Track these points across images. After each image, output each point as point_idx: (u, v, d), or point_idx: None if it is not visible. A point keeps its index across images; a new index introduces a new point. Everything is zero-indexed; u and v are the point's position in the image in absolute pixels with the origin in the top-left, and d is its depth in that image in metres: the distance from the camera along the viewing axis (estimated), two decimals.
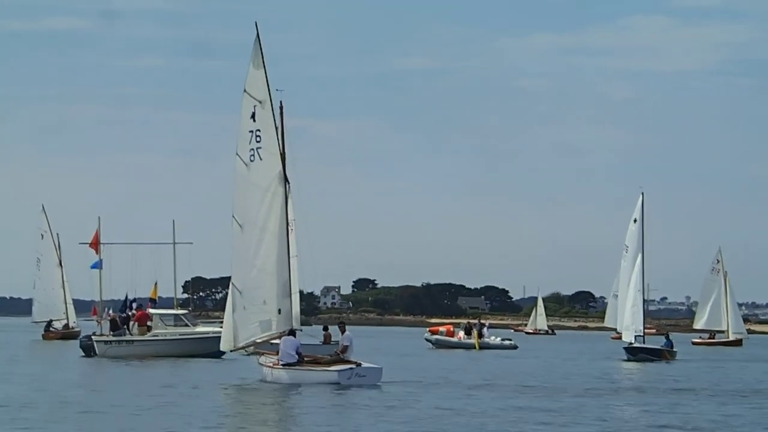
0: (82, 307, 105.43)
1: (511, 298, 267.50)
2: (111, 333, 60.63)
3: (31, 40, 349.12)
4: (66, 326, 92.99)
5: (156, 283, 73.46)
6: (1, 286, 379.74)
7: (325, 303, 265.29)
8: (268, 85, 37.94)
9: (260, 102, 37.81)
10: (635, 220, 69.71)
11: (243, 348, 38.98)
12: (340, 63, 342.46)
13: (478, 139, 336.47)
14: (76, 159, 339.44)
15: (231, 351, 39.39)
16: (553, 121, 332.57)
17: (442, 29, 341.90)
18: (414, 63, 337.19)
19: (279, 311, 38.14)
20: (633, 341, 67.60)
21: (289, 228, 64.94)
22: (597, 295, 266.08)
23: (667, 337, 71.16)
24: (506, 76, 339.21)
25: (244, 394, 34.61)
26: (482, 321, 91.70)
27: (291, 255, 64.63)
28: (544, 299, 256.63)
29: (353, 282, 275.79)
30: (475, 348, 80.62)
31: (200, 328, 62.45)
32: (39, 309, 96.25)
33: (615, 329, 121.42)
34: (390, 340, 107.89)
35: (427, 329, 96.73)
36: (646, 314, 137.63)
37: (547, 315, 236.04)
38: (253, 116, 37.85)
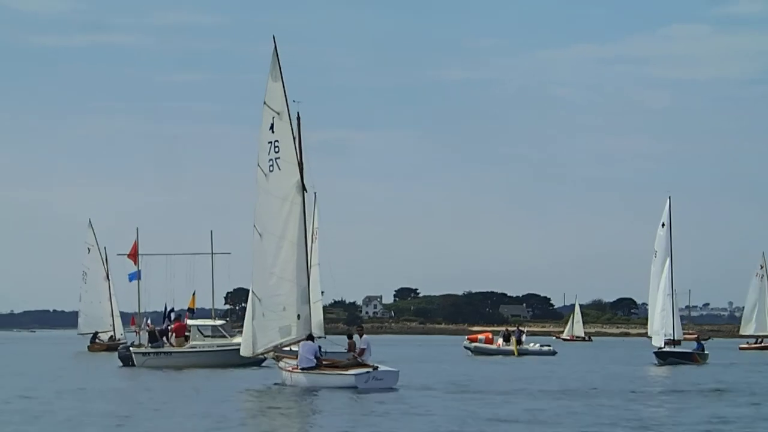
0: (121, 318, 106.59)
1: (553, 305, 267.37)
2: (149, 344, 61.49)
3: (72, 54, 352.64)
4: (112, 338, 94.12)
5: (194, 294, 74.45)
6: (45, 300, 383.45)
7: (367, 312, 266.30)
8: (285, 97, 38.90)
9: (278, 113, 38.78)
10: (663, 225, 70.07)
11: (262, 354, 39.89)
12: (381, 75, 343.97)
13: (518, 148, 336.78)
14: (117, 171, 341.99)
15: (250, 356, 40.27)
16: (592, 130, 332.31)
17: (481, 40, 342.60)
18: (452, 75, 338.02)
19: (298, 317, 39.06)
20: (663, 346, 68.00)
21: (314, 237, 66.08)
22: (639, 301, 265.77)
23: (698, 341, 71.39)
24: (545, 86, 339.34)
25: (262, 398, 35.50)
26: (521, 328, 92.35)
27: (313, 263, 65.90)
28: (585, 306, 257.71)
29: (395, 291, 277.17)
30: (513, 354, 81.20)
31: (238, 339, 63.05)
32: (85, 321, 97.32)
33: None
34: (428, 348, 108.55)
35: (466, 337, 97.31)
36: (689, 320, 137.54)
37: (588, 322, 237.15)
38: (271, 127, 38.83)
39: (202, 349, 59.33)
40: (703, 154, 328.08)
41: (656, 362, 66.58)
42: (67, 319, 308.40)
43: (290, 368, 38.61)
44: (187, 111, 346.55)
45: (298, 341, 38.90)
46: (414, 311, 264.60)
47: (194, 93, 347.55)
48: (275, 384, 39.24)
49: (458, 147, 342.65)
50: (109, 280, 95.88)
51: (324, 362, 38.67)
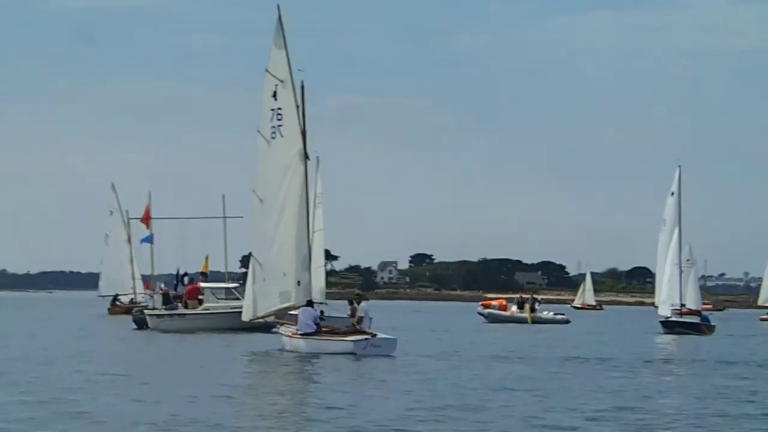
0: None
1: (568, 273, 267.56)
2: (163, 307, 61.99)
3: (90, 19, 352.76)
4: (132, 301, 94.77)
5: (207, 258, 74.92)
6: (62, 261, 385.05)
7: (382, 278, 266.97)
8: (289, 65, 39.19)
9: (281, 81, 39.07)
10: (672, 194, 69.82)
11: (262, 318, 40.34)
12: (397, 43, 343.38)
13: (534, 117, 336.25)
14: (136, 134, 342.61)
15: (250, 320, 40.70)
16: (611, 99, 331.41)
17: (498, 7, 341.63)
18: (469, 42, 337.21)
19: (298, 283, 39.48)
20: (669, 315, 68.26)
21: (317, 202, 66.43)
22: (654, 271, 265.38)
23: (700, 313, 71.52)
24: (562, 54, 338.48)
25: (262, 362, 35.99)
26: (535, 295, 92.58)
27: (316, 229, 66.18)
28: (600, 275, 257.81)
29: (410, 257, 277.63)
30: (527, 322, 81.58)
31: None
32: (106, 284, 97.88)
33: (683, 305, 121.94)
34: (442, 315, 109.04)
35: (480, 303, 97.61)
36: (705, 290, 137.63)
37: (603, 291, 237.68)
38: (274, 95, 39.13)
39: (215, 312, 59.64)
40: (721, 123, 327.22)
41: (662, 331, 66.92)
42: (83, 281, 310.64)
43: (290, 333, 39.06)
44: (207, 74, 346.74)
45: (298, 307, 39.29)
46: (429, 277, 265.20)
47: (214, 57, 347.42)
48: (277, 350, 39.65)
49: (476, 115, 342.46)
50: (130, 243, 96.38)
51: (323, 329, 39.10)
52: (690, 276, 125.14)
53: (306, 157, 39.51)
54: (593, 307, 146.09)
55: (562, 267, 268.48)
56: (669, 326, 67.25)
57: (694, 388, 29.02)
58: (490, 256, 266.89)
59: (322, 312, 42.59)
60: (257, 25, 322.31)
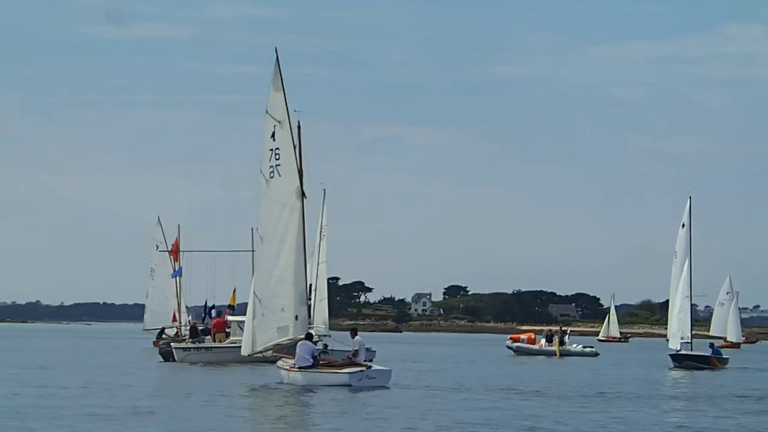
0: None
1: (602, 305, 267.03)
2: (190, 339, 63.12)
3: (125, 47, 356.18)
4: (177, 334, 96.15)
5: (234, 290, 76.18)
6: (97, 293, 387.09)
7: (416, 310, 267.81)
8: (286, 106, 40.61)
9: (279, 122, 40.48)
10: (683, 225, 69.56)
11: (260, 352, 41.61)
12: (435, 71, 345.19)
13: (571, 146, 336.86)
14: (162, 166, 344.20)
15: (249, 355, 41.97)
16: (647, 129, 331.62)
17: (536, 37, 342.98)
18: (507, 71, 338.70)
19: (296, 317, 40.80)
20: (679, 348, 68.36)
21: (321, 234, 67.71)
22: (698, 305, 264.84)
23: (712, 346, 71.68)
24: (600, 84, 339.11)
25: (261, 395, 37.20)
26: (564, 328, 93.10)
27: (320, 261, 67.39)
28: (635, 307, 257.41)
29: (444, 289, 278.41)
30: (555, 355, 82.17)
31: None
32: (151, 317, 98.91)
33: (723, 338, 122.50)
34: (471, 347, 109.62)
35: (509, 337, 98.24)
36: (742, 323, 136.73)
37: (637, 323, 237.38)
38: (273, 135, 40.54)
39: (241, 345, 60.30)
40: (762, 154, 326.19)
41: (672, 365, 67.09)
42: (117, 312, 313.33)
43: (288, 367, 40.32)
44: (235, 105, 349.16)
45: (297, 341, 40.55)
46: (463, 309, 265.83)
47: (245, 86, 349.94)
48: (276, 383, 40.88)
49: (511, 145, 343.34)
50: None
51: (321, 362, 40.35)
52: (731, 309, 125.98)
53: (303, 194, 40.83)
54: (618, 340, 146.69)
55: (596, 299, 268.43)
56: (678, 360, 67.24)
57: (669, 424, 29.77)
58: (524, 288, 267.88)
59: (325, 345, 43.84)
60: (295, 54, 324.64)
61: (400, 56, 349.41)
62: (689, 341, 68.57)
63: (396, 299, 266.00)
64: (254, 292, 40.93)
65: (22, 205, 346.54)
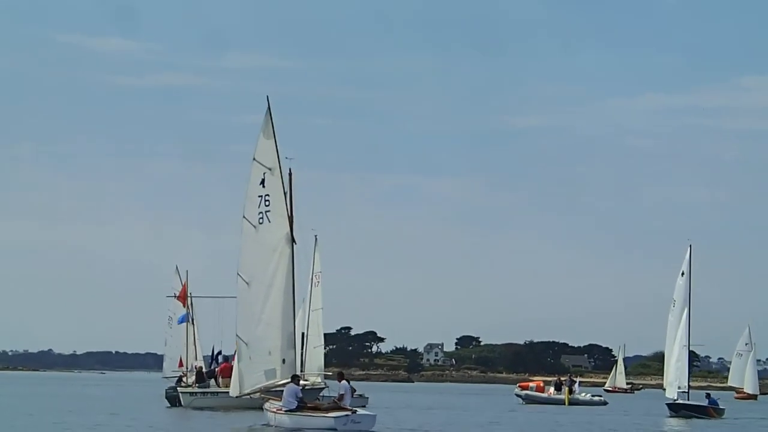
0: (160, 361, 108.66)
1: (614, 356, 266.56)
2: (196, 384, 63.68)
3: (141, 96, 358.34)
4: (181, 378, 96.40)
5: None
6: (109, 342, 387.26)
7: (428, 360, 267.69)
8: (277, 154, 41.50)
9: (270, 169, 41.36)
10: (682, 274, 69.89)
11: (248, 395, 42.27)
12: (448, 121, 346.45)
13: (585, 196, 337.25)
14: (181, 215, 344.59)
15: (236, 397, 42.63)
16: (662, 180, 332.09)
17: (552, 88, 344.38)
18: (522, 121, 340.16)
19: (283, 361, 41.50)
20: (676, 398, 68.72)
21: (315, 281, 68.33)
22: (702, 354, 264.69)
23: (708, 396, 71.95)
24: (614, 135, 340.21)
25: None
26: (572, 377, 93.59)
27: (314, 308, 67.99)
28: (648, 358, 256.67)
29: (456, 339, 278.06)
30: (564, 403, 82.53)
31: (283, 380, 64.22)
32: (170, 365, 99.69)
33: (736, 389, 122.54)
34: (479, 396, 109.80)
35: (517, 385, 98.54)
36: (758, 375, 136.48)
37: (650, 374, 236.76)
38: (262, 182, 41.39)
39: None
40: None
41: (668, 414, 67.45)
42: (129, 361, 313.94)
43: (275, 409, 40.97)
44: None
45: (284, 384, 41.24)
46: (475, 360, 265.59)
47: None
48: (262, 425, 41.53)
49: (525, 195, 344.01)
50: (194, 324, 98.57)
51: (308, 405, 40.98)
52: (749, 360, 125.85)
53: (293, 240, 41.61)
54: (625, 390, 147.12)
55: (608, 350, 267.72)
56: (675, 409, 67.67)
57: None
58: (536, 339, 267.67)
59: (322, 396, 44.43)
60: (311, 104, 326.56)
61: (416, 107, 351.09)
62: (686, 390, 69.02)
63: (408, 349, 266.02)
64: (239, 336, 41.65)
65: (35, 253, 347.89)
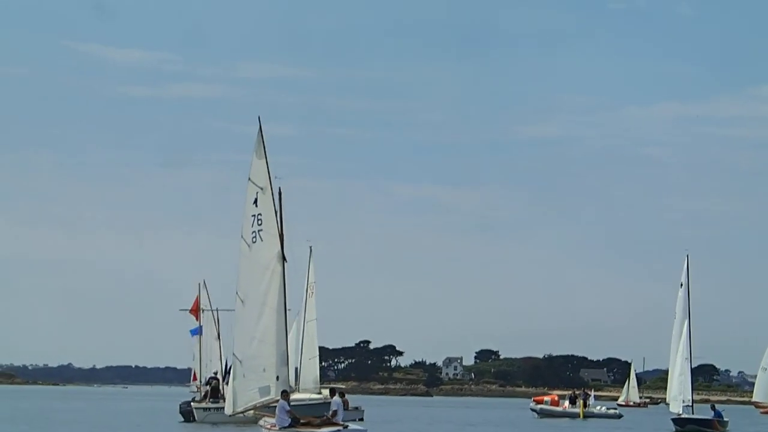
0: (180, 375, 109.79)
1: (635, 370, 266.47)
2: (210, 399, 64.12)
3: (159, 106, 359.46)
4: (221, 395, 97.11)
5: None
6: (128, 356, 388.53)
7: (447, 374, 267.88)
8: (268, 173, 42.14)
9: (261, 188, 42.02)
10: (681, 285, 69.87)
11: (242, 412, 42.87)
12: (466, 131, 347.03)
13: (602, 206, 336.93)
14: (200, 226, 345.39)
15: (231, 415, 43.22)
16: (680, 190, 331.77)
17: (567, 97, 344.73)
18: (538, 131, 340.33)
19: (277, 378, 42.11)
20: (681, 412, 68.85)
21: (310, 292, 68.98)
22: (721, 368, 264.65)
23: (713, 408, 72.19)
24: (631, 144, 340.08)
25: None
26: (587, 391, 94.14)
27: (309, 319, 68.60)
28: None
29: (476, 353, 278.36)
30: (579, 417, 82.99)
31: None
32: (204, 378, 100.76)
33: (755, 403, 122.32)
34: (495, 410, 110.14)
35: (532, 398, 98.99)
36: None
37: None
38: (255, 202, 42.06)
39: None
40: None
41: (674, 429, 67.60)
42: (149, 375, 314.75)
43: (269, 426, 41.49)
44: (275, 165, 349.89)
45: (277, 400, 41.79)
46: (494, 374, 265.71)
47: (278, 146, 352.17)
48: None
49: (543, 205, 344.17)
50: (219, 339, 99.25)
51: (301, 421, 41.47)
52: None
53: (284, 258, 42.22)
54: (638, 404, 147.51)
55: (627, 363, 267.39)
56: (680, 423, 67.70)
57: None
58: (555, 352, 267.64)
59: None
60: (327, 113, 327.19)
61: (430, 116, 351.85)
62: (690, 404, 69.12)
63: (427, 363, 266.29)
64: (234, 354, 42.32)
65: (53, 266, 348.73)
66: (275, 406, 42.11)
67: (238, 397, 42.15)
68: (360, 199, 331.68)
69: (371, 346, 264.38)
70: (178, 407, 68.42)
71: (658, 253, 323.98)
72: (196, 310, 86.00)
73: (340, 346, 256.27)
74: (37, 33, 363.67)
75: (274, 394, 42.03)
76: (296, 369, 68.43)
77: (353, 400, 55.46)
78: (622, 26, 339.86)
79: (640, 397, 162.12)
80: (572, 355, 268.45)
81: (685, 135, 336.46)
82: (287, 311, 42.31)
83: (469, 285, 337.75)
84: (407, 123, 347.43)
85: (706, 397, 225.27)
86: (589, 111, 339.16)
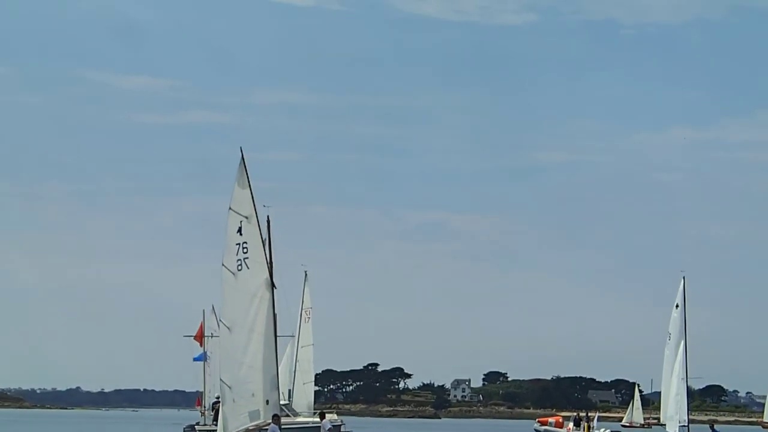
0: (188, 398, 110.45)
1: (642, 391, 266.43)
2: (214, 423, 64.79)
3: (168, 133, 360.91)
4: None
5: None
6: (136, 380, 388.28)
7: (455, 396, 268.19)
8: (253, 202, 42.90)
9: (246, 217, 42.73)
10: (677, 306, 70.29)
11: None
12: (478, 158, 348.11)
13: (612, 232, 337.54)
14: (209, 252, 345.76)
15: None
16: (689, 214, 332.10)
17: (577, 123, 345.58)
18: (548, 157, 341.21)
19: (267, 402, 42.91)
20: None
21: (306, 317, 69.71)
22: (730, 389, 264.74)
23: (712, 428, 72.63)
24: (642, 170, 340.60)
25: None
26: (590, 413, 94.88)
27: (306, 344, 69.25)
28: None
29: (484, 375, 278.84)
30: None
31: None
32: (207, 404, 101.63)
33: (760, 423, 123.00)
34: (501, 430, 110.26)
35: (537, 420, 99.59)
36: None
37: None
38: (239, 230, 42.77)
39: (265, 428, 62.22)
40: None
41: None
42: (157, 398, 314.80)
43: None
44: (274, 191, 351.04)
45: (267, 424, 42.64)
46: (503, 395, 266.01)
47: (282, 174, 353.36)
48: None
49: (553, 230, 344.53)
50: None
51: None
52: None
53: (273, 285, 42.99)
54: (641, 425, 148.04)
55: (635, 385, 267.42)
56: None
57: None
58: (563, 374, 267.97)
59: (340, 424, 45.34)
60: (338, 139, 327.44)
61: (441, 142, 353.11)
62: (686, 425, 69.51)
63: (435, 385, 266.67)
64: (222, 380, 43.01)
65: (63, 291, 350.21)
66: (267, 430, 43.02)
67: (228, 422, 42.88)
68: (368, 223, 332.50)
69: (379, 369, 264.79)
70: (182, 431, 69.14)
71: (668, 278, 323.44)
72: (200, 336, 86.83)
73: (348, 369, 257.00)
74: (49, 61, 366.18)
75: (264, 418, 42.78)
76: (289, 390, 69.07)
77: (359, 423, 56.10)
78: (635, 53, 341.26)
79: (646, 418, 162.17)
80: (580, 377, 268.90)
81: (697, 160, 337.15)
82: (277, 337, 42.96)
83: (477, 307, 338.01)
84: (420, 149, 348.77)
85: (714, 417, 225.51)
86: (599, 137, 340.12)
